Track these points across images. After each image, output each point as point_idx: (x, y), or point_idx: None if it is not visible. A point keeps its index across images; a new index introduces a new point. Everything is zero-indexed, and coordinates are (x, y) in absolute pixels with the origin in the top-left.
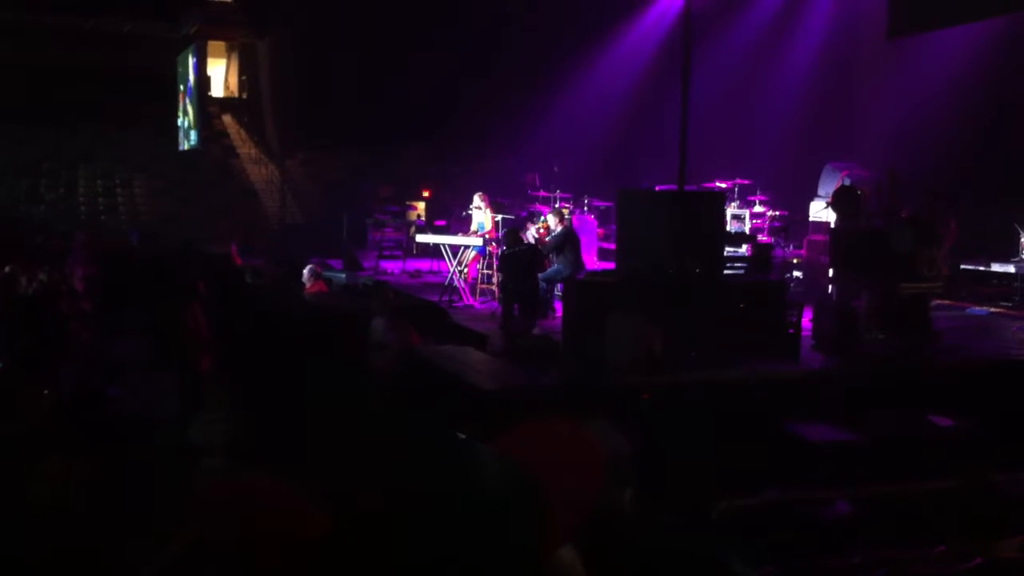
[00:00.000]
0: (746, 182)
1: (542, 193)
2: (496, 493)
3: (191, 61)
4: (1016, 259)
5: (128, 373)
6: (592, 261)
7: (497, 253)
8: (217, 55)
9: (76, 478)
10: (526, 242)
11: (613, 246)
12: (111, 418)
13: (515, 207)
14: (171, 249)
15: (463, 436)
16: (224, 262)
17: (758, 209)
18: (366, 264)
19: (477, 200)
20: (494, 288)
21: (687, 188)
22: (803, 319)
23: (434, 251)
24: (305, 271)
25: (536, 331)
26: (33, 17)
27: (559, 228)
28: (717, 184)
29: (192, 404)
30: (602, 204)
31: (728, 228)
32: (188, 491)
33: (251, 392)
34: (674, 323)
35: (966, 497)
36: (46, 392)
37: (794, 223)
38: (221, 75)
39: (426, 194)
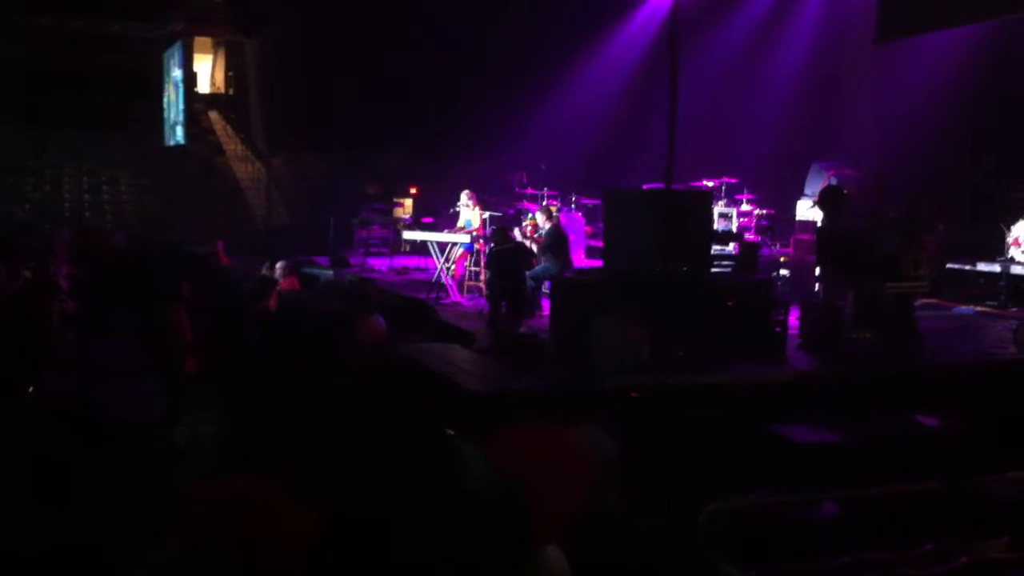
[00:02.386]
0: (733, 181)
1: (530, 191)
2: (481, 492)
3: (178, 56)
4: (1002, 259)
5: (112, 374)
6: (580, 259)
7: (485, 250)
8: (204, 51)
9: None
10: (514, 240)
11: (601, 244)
12: (95, 419)
13: (503, 205)
14: (157, 249)
15: (451, 434)
16: (210, 261)
17: (745, 208)
18: (353, 261)
19: (464, 198)
20: (482, 285)
21: (674, 187)
22: (790, 318)
23: (421, 248)
24: (277, 266)
25: (523, 329)
26: (18, 17)
27: (547, 226)
28: (704, 183)
29: (177, 406)
30: (590, 202)
31: (715, 227)
32: (176, 492)
33: (235, 393)
34: (661, 322)
35: (952, 497)
36: (30, 391)
37: (781, 222)
38: (207, 71)
39: (413, 191)
